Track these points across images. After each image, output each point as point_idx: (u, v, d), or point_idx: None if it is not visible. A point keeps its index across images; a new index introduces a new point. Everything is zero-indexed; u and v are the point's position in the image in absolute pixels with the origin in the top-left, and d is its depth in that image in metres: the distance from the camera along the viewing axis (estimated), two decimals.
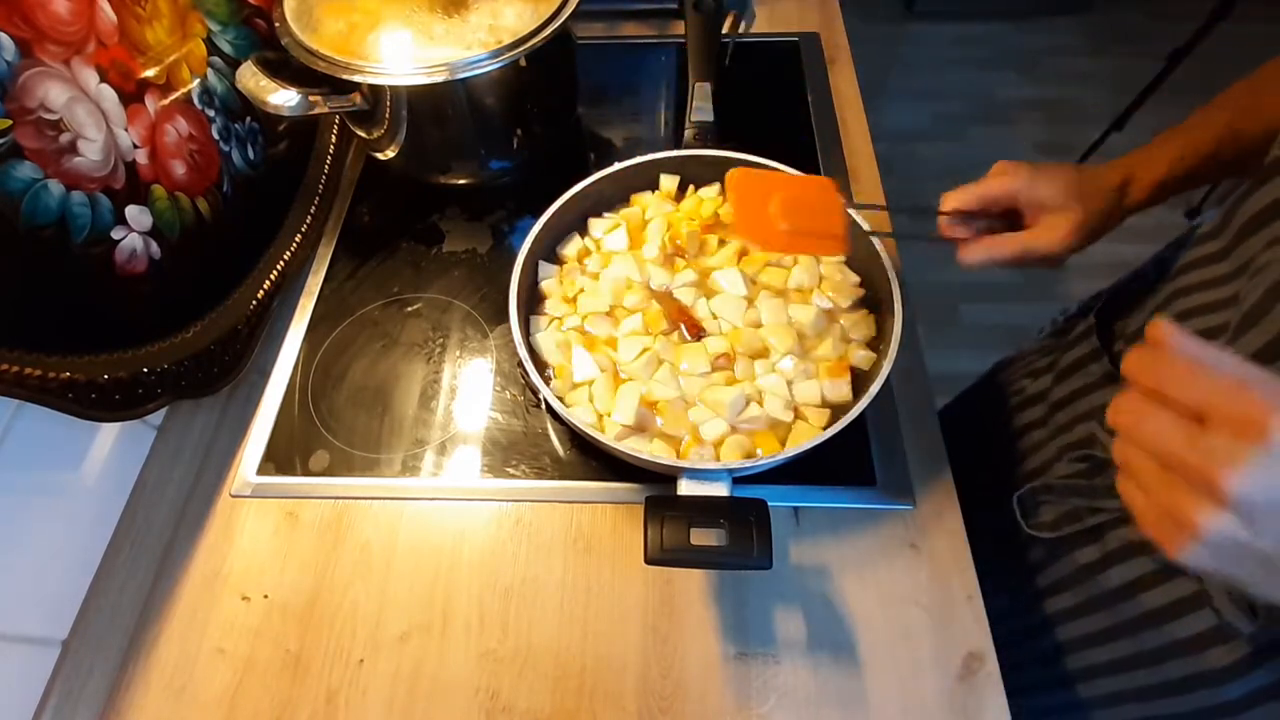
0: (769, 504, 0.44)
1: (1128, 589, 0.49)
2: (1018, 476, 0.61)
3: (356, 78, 0.57)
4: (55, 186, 0.44)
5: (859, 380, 0.52)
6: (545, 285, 0.58)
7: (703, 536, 0.43)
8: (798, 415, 0.51)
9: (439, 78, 0.57)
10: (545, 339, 0.54)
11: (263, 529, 0.55)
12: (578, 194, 0.59)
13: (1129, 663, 0.51)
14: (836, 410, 0.51)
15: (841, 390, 0.51)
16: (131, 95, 0.50)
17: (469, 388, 0.61)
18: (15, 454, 0.46)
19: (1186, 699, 0.48)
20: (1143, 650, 0.50)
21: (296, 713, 0.48)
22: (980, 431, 0.66)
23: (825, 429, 0.47)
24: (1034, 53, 2.21)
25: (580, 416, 0.49)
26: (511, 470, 0.56)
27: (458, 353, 0.63)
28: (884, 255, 0.54)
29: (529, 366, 0.50)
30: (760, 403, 0.51)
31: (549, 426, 0.58)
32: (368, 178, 0.76)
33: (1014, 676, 0.49)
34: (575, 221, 0.61)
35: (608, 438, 0.48)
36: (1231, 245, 0.42)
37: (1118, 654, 0.52)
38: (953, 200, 0.52)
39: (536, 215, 0.57)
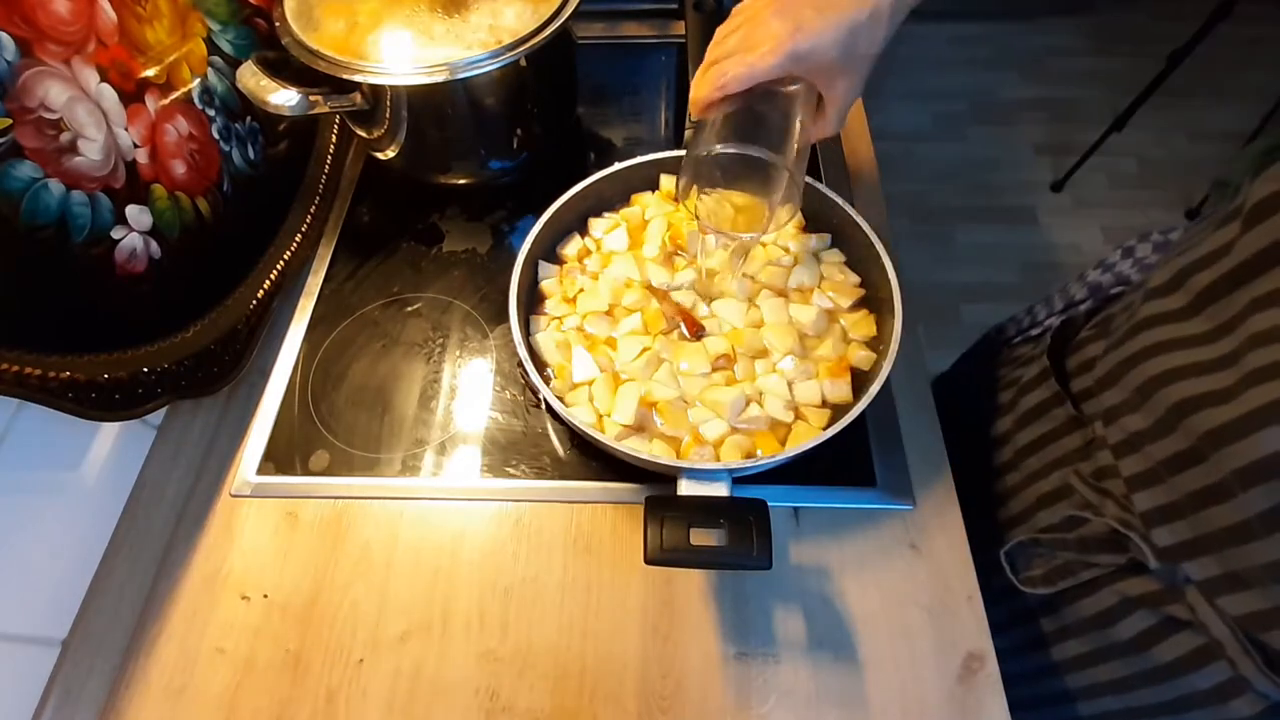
0: (769, 504, 0.44)
1: (1136, 642, 0.48)
2: (999, 522, 0.60)
3: (356, 78, 0.57)
4: (55, 186, 0.44)
5: (859, 380, 0.52)
6: (545, 285, 0.58)
7: (702, 537, 0.43)
8: (798, 415, 0.51)
9: (439, 78, 0.57)
10: (545, 339, 0.54)
11: (263, 529, 0.55)
12: (578, 194, 0.59)
13: (1149, 711, 0.49)
14: (837, 410, 0.51)
15: (842, 390, 0.51)
16: (131, 95, 0.50)
17: (469, 388, 0.61)
18: (15, 454, 0.46)
19: None
20: (1162, 700, 0.48)
21: (296, 713, 0.48)
22: (958, 464, 0.62)
23: (825, 429, 0.47)
24: (1034, 53, 2.21)
25: (580, 416, 0.49)
26: (511, 470, 0.56)
27: (458, 353, 0.63)
28: (884, 255, 0.54)
29: (529, 366, 0.50)
30: (760, 403, 0.51)
31: (549, 426, 0.58)
32: (368, 178, 0.76)
33: (1026, 716, 0.48)
34: (575, 221, 0.61)
35: (608, 438, 0.48)
36: (1198, 304, 0.41)
37: (1133, 703, 0.50)
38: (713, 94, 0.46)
39: (536, 215, 0.57)
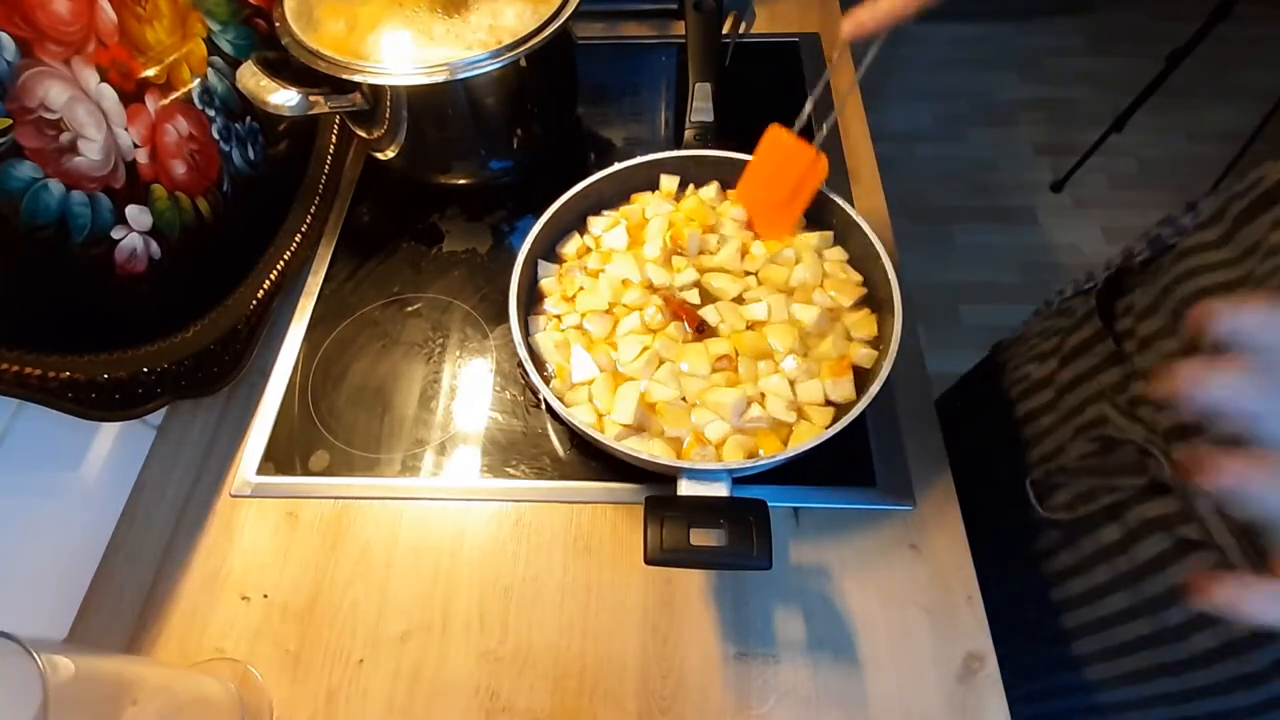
0: (769, 504, 0.44)
1: (1150, 566, 0.49)
2: (1028, 462, 0.61)
3: (356, 78, 0.57)
4: (55, 186, 0.44)
5: (860, 379, 0.52)
6: (545, 284, 0.58)
7: (702, 537, 0.43)
8: (801, 415, 0.51)
9: (439, 78, 0.57)
10: (545, 339, 0.54)
11: (263, 529, 0.55)
12: (578, 194, 0.59)
13: (1152, 640, 0.51)
14: (840, 409, 0.51)
15: (845, 389, 0.51)
16: (131, 95, 0.50)
17: (469, 388, 0.61)
18: (15, 454, 0.46)
19: (1214, 670, 0.48)
20: (1167, 626, 0.50)
21: (296, 713, 0.48)
22: (984, 419, 0.66)
23: (827, 428, 0.47)
24: (1034, 53, 2.21)
25: (580, 416, 0.49)
26: (511, 470, 0.56)
27: (458, 353, 0.63)
28: (884, 255, 0.54)
29: (529, 366, 0.50)
30: (762, 404, 0.51)
31: (549, 426, 0.58)
32: (368, 178, 0.76)
33: (1022, 660, 0.49)
34: (575, 221, 0.61)
35: (608, 438, 0.48)
36: (1231, 230, 0.43)
37: (1140, 631, 0.52)
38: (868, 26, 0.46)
39: (536, 215, 0.57)
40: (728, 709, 0.47)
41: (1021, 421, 0.64)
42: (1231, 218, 0.44)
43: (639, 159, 0.61)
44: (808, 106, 0.56)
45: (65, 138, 0.45)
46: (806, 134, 0.56)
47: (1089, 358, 0.57)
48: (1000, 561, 0.51)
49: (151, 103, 0.52)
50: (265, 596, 0.52)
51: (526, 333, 0.54)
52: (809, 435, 0.48)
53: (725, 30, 0.85)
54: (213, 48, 0.58)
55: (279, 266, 0.65)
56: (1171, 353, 0.46)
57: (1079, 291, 0.66)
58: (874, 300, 0.56)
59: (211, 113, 0.58)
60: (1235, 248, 0.43)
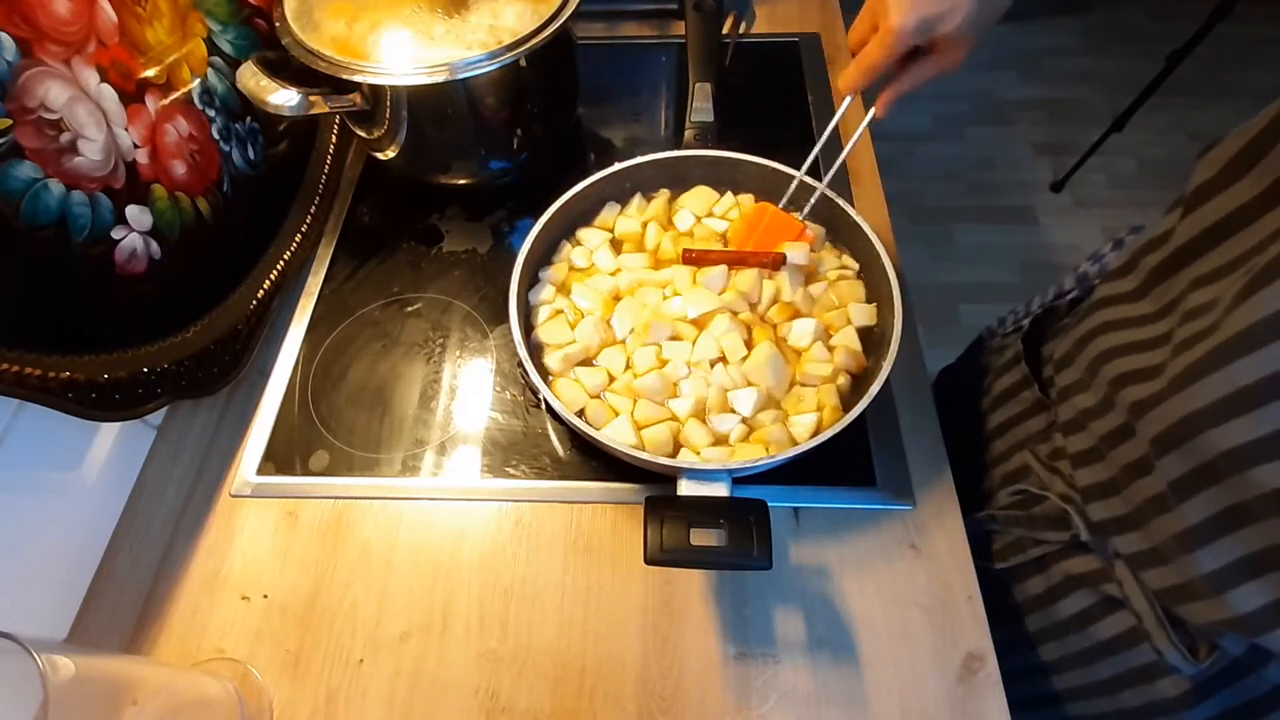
0: (769, 504, 0.44)
1: (1075, 621, 0.50)
2: (971, 500, 0.61)
3: (356, 78, 0.57)
4: (55, 186, 0.44)
5: (859, 380, 0.52)
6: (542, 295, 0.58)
7: (702, 537, 0.43)
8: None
9: (439, 78, 0.57)
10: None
11: (263, 529, 0.55)
12: (578, 194, 0.59)
13: (1083, 692, 0.51)
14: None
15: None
16: (132, 95, 0.50)
17: (469, 388, 0.61)
18: (15, 454, 0.46)
19: None
20: (1094, 681, 0.50)
21: (296, 713, 0.48)
22: (965, 414, 0.65)
23: (827, 429, 0.47)
24: (1034, 53, 2.21)
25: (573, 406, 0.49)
26: (511, 470, 0.56)
27: (458, 353, 0.63)
28: (884, 255, 0.54)
29: (529, 366, 0.50)
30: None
31: (549, 426, 0.58)
32: (368, 178, 0.76)
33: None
34: (576, 221, 0.61)
35: (608, 437, 0.48)
36: (1147, 284, 0.42)
37: (1071, 684, 0.52)
38: (850, 84, 0.53)
39: (536, 215, 0.57)
40: (728, 709, 0.47)
41: (964, 458, 0.63)
42: (1146, 270, 0.42)
43: (639, 159, 0.61)
44: (815, 151, 0.57)
45: (65, 138, 0.45)
46: (815, 172, 0.58)
47: (1016, 404, 0.57)
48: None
49: (151, 103, 0.52)
50: (265, 596, 0.52)
51: (527, 333, 0.54)
52: (809, 435, 0.48)
53: (725, 30, 0.85)
54: (213, 48, 0.58)
55: (279, 266, 0.65)
56: (1087, 408, 0.45)
57: (1017, 326, 0.65)
58: (873, 301, 0.56)
59: (211, 113, 0.58)
60: (1153, 302, 0.41)
